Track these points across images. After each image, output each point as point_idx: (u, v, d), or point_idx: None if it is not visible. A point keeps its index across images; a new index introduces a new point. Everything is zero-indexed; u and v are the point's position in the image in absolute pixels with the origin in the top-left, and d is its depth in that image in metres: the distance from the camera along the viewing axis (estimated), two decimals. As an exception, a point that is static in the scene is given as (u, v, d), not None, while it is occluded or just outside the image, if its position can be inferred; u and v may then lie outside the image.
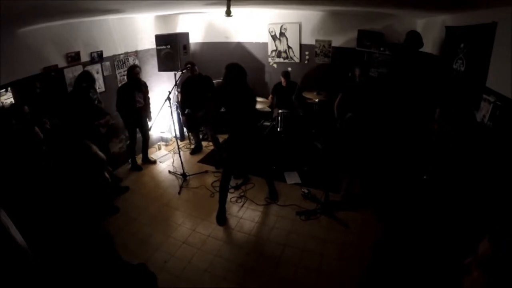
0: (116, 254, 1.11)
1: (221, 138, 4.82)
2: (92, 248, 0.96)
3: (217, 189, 3.82)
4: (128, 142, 4.64)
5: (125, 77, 4.12)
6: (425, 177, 2.47)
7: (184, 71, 4.22)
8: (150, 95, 4.37)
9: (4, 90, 3.08)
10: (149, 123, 4.17)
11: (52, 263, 0.97)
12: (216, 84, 4.68)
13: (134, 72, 3.96)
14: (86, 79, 3.48)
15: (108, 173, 1.05)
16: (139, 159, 4.64)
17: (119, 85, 4.32)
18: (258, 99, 4.79)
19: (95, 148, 1.00)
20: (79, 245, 0.94)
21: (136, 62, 4.78)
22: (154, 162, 4.73)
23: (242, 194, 3.80)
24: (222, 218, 3.34)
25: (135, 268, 1.21)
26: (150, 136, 4.68)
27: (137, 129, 4.34)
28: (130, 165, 4.60)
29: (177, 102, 5.05)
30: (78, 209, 0.94)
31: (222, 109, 3.26)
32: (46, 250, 1.10)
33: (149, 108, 4.33)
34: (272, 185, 3.68)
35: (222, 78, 3.12)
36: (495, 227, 0.67)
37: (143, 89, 4.16)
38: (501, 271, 0.63)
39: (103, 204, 1.04)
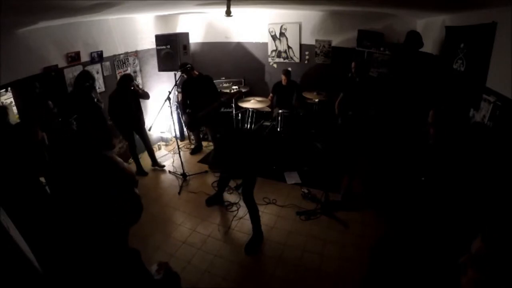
0: (143, 267, 1.06)
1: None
2: (119, 265, 0.92)
3: (217, 189, 3.82)
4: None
5: (117, 86, 3.86)
6: (423, 178, 2.47)
7: (183, 74, 4.19)
8: (150, 95, 4.34)
9: (4, 90, 3.08)
10: (147, 125, 4.11)
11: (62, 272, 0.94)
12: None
13: (127, 85, 3.80)
14: (88, 78, 3.47)
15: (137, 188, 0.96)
16: (144, 162, 4.54)
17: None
18: (258, 98, 4.80)
19: (121, 161, 0.87)
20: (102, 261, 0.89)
21: (136, 62, 4.78)
22: (163, 167, 4.58)
23: (241, 194, 3.80)
24: (210, 200, 3.60)
25: (158, 281, 1.18)
26: (149, 136, 4.65)
27: (134, 132, 4.20)
28: (129, 165, 4.58)
29: (177, 102, 5.06)
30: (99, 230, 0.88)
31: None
32: (51, 253, 1.08)
33: (145, 93, 4.13)
34: (254, 223, 2.99)
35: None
36: (487, 227, 0.67)
37: (138, 93, 4.01)
38: (494, 270, 0.63)
39: (130, 222, 0.97)
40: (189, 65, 4.19)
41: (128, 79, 3.87)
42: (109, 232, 0.91)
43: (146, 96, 4.14)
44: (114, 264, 0.89)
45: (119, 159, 0.95)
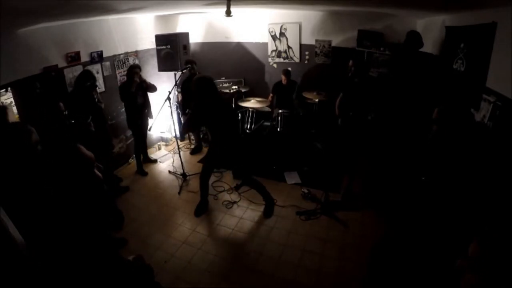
0: (116, 253, 1.11)
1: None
2: (94, 249, 0.97)
3: (218, 189, 3.86)
4: (129, 141, 4.63)
5: (125, 77, 4.09)
6: (423, 178, 2.46)
7: (184, 71, 4.21)
8: (150, 94, 4.35)
9: (4, 90, 3.08)
10: (149, 123, 4.12)
11: (52, 263, 0.97)
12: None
13: (132, 72, 3.92)
14: (88, 78, 3.48)
15: (99, 170, 1.05)
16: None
17: (119, 84, 4.30)
18: (258, 98, 4.80)
19: (83, 148, 1.02)
20: (81, 246, 0.94)
21: (136, 62, 4.78)
22: (155, 161, 4.72)
23: (241, 194, 3.81)
24: (198, 210, 3.47)
25: (130, 263, 1.22)
26: (149, 136, 4.67)
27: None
28: (129, 165, 4.60)
29: (177, 102, 5.06)
30: (77, 211, 0.95)
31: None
32: (46, 250, 1.10)
33: (149, 105, 4.26)
34: (264, 195, 3.43)
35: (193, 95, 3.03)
36: (483, 229, 0.67)
37: (144, 85, 4.06)
38: (490, 272, 0.63)
39: (103, 205, 1.02)
40: (189, 65, 4.21)
41: (135, 68, 3.98)
42: (80, 209, 0.97)
43: (152, 88, 4.16)
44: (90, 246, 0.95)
45: (81, 146, 1.06)
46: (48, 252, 1.07)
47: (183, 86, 4.51)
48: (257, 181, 3.42)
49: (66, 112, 3.00)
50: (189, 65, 4.21)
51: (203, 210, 3.49)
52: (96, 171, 1.08)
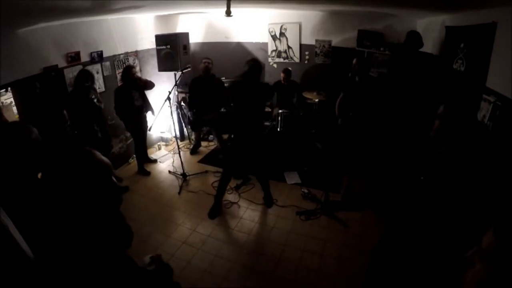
0: (126, 255, 1.10)
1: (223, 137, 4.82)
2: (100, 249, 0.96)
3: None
4: (129, 141, 4.63)
5: (121, 80, 4.06)
6: (422, 178, 2.46)
7: (184, 71, 4.20)
8: (150, 94, 4.35)
9: (4, 90, 3.09)
10: (149, 123, 4.11)
11: (54, 265, 0.96)
12: (230, 81, 4.66)
13: (131, 73, 3.88)
14: (87, 78, 3.48)
15: (114, 177, 1.03)
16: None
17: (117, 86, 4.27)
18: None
19: (98, 154, 0.99)
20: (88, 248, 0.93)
21: (136, 62, 4.78)
22: (155, 161, 4.72)
23: (241, 194, 3.81)
24: (213, 213, 3.44)
25: (140, 269, 1.20)
26: (149, 136, 4.67)
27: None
28: (129, 165, 4.60)
29: (177, 102, 5.06)
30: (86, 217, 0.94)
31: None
32: (47, 251, 1.09)
33: (149, 104, 4.24)
34: (267, 189, 3.58)
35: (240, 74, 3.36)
36: (499, 221, 0.68)
37: (140, 83, 4.04)
38: (505, 264, 0.63)
39: (115, 209, 1.02)
40: (189, 65, 4.22)
41: (129, 68, 3.96)
42: (91, 217, 0.96)
43: (149, 85, 4.13)
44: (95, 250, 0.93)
45: (97, 152, 1.03)
46: (49, 254, 1.06)
47: (192, 85, 4.50)
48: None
49: (69, 123, 2.98)
50: (189, 66, 4.21)
51: (217, 212, 3.45)
52: (113, 179, 1.06)
